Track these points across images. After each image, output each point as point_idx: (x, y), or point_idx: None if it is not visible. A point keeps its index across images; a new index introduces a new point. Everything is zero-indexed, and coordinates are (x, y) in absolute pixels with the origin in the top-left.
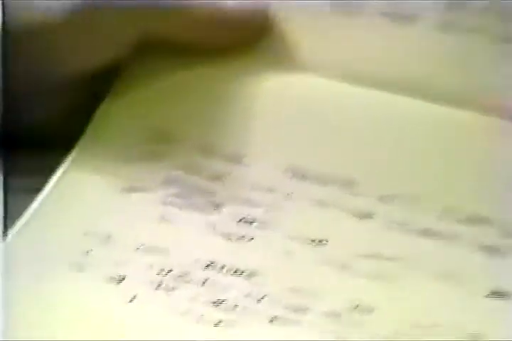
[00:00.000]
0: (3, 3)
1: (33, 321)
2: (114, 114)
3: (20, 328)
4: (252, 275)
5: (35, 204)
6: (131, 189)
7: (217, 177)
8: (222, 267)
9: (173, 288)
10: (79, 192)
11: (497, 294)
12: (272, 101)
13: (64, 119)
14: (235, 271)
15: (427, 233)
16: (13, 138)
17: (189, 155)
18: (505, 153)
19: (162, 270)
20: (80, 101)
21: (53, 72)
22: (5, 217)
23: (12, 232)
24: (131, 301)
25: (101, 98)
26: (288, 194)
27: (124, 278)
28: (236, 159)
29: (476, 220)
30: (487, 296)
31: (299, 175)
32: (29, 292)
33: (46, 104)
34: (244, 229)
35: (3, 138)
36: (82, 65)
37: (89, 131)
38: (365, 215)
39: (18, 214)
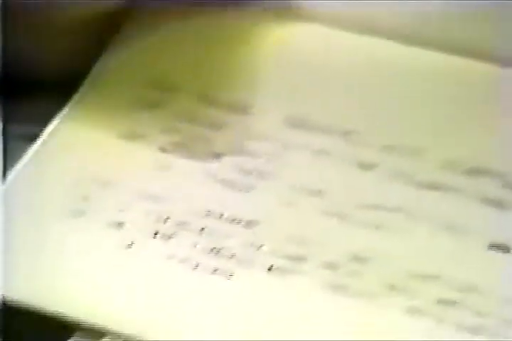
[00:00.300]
0: None
1: (33, 266)
2: (117, 61)
3: (21, 273)
4: (250, 224)
5: (33, 149)
6: (131, 136)
7: (217, 126)
8: (221, 215)
9: (170, 236)
10: (78, 138)
11: (497, 247)
12: (274, 51)
13: (65, 64)
14: (234, 220)
15: (429, 185)
16: (14, 83)
17: (190, 103)
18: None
19: (160, 217)
20: (81, 46)
21: (54, 16)
22: (5, 164)
23: (10, 177)
24: (128, 247)
25: (104, 45)
26: (288, 144)
27: (122, 224)
28: (236, 108)
29: (478, 172)
30: (487, 249)
31: (300, 124)
32: (29, 236)
33: (47, 48)
34: (244, 179)
35: (3, 85)
36: (83, 9)
37: (91, 77)
38: (367, 166)
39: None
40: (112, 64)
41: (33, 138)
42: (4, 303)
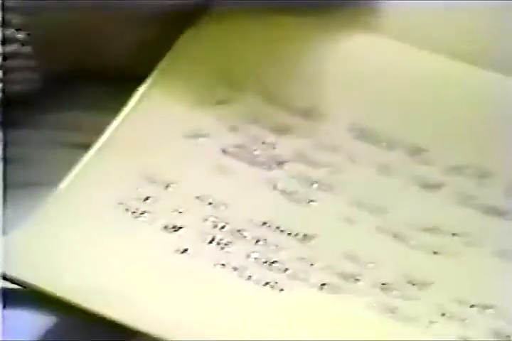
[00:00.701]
0: None
1: (87, 265)
2: (186, 57)
3: (71, 272)
4: (307, 238)
5: (96, 147)
6: (195, 134)
7: (282, 131)
8: (278, 227)
9: (226, 244)
10: (142, 135)
11: None
12: (346, 61)
13: (134, 59)
14: (290, 232)
15: (492, 210)
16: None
17: (256, 104)
18: None
19: (217, 224)
20: (153, 40)
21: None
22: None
23: (70, 176)
24: (183, 252)
25: (175, 38)
26: (352, 156)
27: (179, 228)
28: (303, 113)
29: None
30: None
31: (366, 136)
32: (86, 235)
33: (124, 37)
34: (304, 190)
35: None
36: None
37: (158, 71)
38: (431, 186)
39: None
40: (181, 59)
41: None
42: None
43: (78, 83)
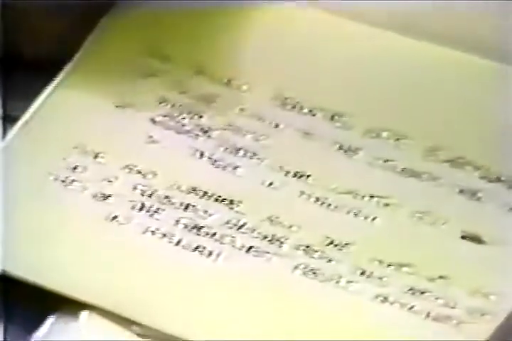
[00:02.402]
0: None
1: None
2: (113, 31)
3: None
4: (233, 203)
5: (24, 119)
6: (124, 105)
7: (209, 100)
8: (206, 193)
9: (155, 211)
10: (70, 106)
11: (470, 237)
12: (270, 33)
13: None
14: (218, 198)
15: (409, 172)
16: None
17: (184, 76)
18: (497, 97)
19: (146, 191)
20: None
21: None
22: None
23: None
24: (112, 219)
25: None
26: (275, 123)
27: (108, 196)
28: (229, 84)
29: (459, 163)
30: (460, 238)
31: (288, 104)
32: (19, 205)
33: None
34: (230, 157)
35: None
36: None
37: (86, 45)
38: (351, 149)
39: None
40: (108, 33)
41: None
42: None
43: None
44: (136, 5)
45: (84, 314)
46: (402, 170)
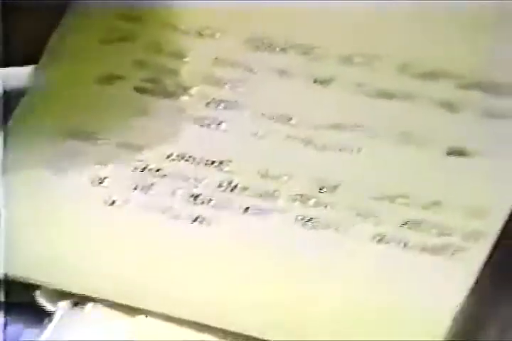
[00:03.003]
0: None
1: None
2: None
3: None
4: (223, 164)
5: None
6: (106, 78)
7: (183, 55)
8: (194, 158)
9: (149, 186)
10: (54, 89)
11: (455, 152)
12: None
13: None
14: (207, 161)
15: (384, 94)
16: None
17: (156, 35)
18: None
19: (137, 167)
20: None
21: None
22: None
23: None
24: (111, 204)
25: None
26: (251, 67)
27: (104, 179)
28: (201, 34)
29: (432, 75)
30: (446, 155)
31: (261, 46)
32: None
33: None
34: (212, 112)
35: None
36: None
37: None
38: (326, 80)
39: None
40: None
41: None
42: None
43: None
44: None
45: (89, 305)
46: (378, 92)
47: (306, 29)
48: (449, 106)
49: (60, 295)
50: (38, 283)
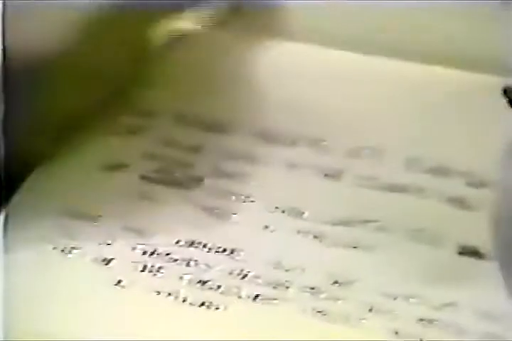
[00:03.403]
0: None
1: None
2: None
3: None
4: (234, 252)
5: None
6: (112, 166)
7: (196, 149)
8: (205, 245)
9: (157, 270)
10: (61, 173)
11: (468, 252)
12: (246, 68)
13: None
14: (218, 249)
15: (394, 188)
16: None
17: (167, 127)
18: (467, 103)
19: (146, 251)
20: None
21: None
22: None
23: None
24: (117, 284)
25: None
26: (262, 160)
27: (110, 261)
28: (213, 128)
29: (440, 171)
30: (458, 255)
31: (271, 138)
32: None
33: None
34: (224, 204)
35: None
36: None
37: None
38: (335, 173)
39: None
40: None
41: None
42: None
43: None
44: None
45: None
46: (387, 186)
47: (313, 123)
48: (459, 203)
49: None
50: None
